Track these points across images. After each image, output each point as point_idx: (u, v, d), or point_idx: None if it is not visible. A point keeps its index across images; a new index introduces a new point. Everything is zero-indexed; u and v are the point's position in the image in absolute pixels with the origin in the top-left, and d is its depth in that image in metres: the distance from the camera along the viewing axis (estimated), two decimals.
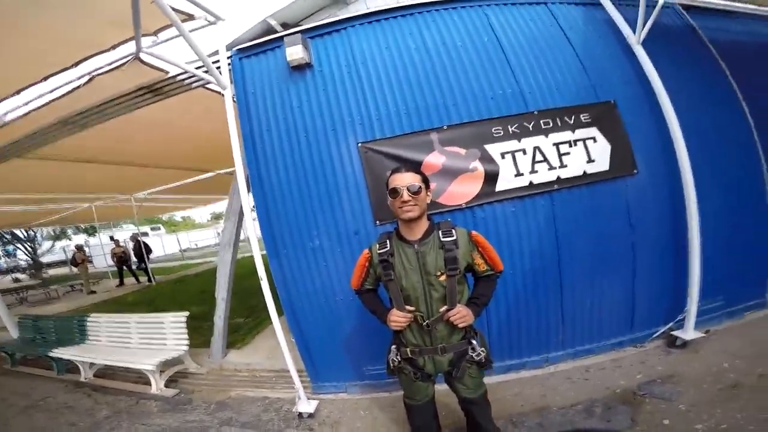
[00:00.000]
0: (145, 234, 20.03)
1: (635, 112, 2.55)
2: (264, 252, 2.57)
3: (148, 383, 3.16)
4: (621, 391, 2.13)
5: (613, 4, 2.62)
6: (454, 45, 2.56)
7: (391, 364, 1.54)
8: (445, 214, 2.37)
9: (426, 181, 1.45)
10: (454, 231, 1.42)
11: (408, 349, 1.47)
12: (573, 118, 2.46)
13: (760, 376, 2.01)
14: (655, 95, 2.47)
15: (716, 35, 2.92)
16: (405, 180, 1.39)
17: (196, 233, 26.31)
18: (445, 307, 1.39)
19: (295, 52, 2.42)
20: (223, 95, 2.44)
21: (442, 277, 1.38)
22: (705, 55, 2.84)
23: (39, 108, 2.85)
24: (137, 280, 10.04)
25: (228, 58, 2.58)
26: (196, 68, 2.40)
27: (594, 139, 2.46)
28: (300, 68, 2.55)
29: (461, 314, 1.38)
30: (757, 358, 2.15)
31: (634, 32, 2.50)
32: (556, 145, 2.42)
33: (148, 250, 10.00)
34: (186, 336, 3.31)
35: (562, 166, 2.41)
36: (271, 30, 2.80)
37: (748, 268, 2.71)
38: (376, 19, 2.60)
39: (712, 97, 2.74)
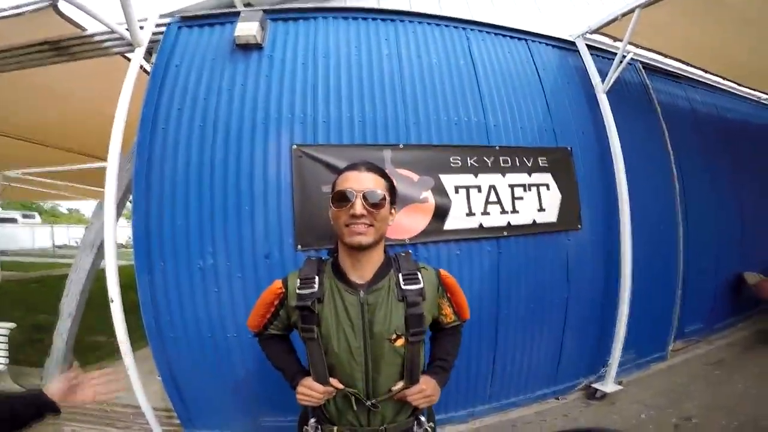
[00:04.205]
0: (13, 221, 16.35)
1: (586, 163, 2.56)
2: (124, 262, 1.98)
3: None
4: None
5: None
6: (429, 61, 2.38)
7: None
8: None
9: (393, 191, 0.99)
10: (419, 275, 0.98)
11: (335, 428, 0.98)
12: (531, 160, 2.35)
13: (675, 426, 2.10)
14: (605, 149, 2.52)
15: (663, 97, 3.17)
16: (363, 182, 0.93)
17: (78, 229, 21.86)
18: (400, 384, 0.95)
19: (247, 29, 2.10)
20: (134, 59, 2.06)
21: (400, 342, 0.94)
22: (651, 114, 3.03)
23: None
24: None
25: (164, 24, 2.21)
26: (126, 29, 2.04)
27: (548, 186, 2.38)
28: (246, 48, 2.19)
29: (426, 393, 0.96)
30: (668, 409, 2.28)
31: (602, 82, 2.56)
32: (512, 187, 2.28)
33: None
34: (5, 351, 2.68)
35: (514, 211, 2.26)
36: (230, 6, 2.50)
37: (655, 324, 2.92)
38: (353, 16, 2.40)
39: (651, 156, 2.91)
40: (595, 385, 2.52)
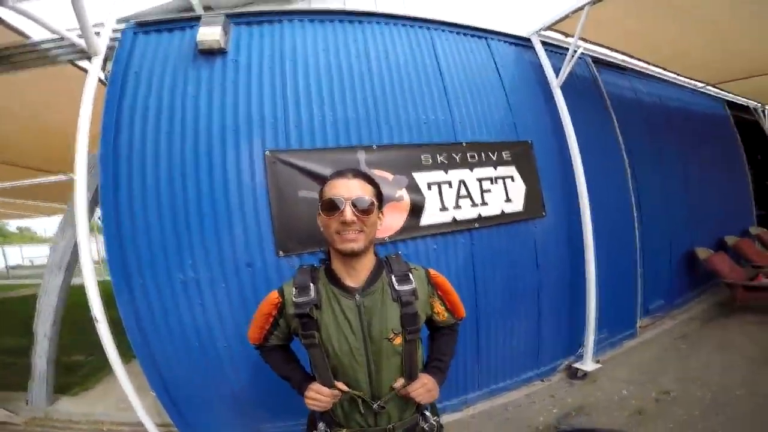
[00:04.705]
0: None
1: (545, 154, 2.72)
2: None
3: None
4: (543, 427, 2.13)
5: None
6: (397, 61, 2.44)
7: None
8: None
9: (380, 196, 1.02)
10: (410, 275, 1.02)
11: (344, 431, 1.02)
12: (496, 154, 2.47)
13: (656, 400, 2.23)
14: (562, 140, 2.67)
15: (611, 88, 3.41)
16: (351, 190, 0.95)
17: (32, 248, 20.74)
18: (401, 381, 1.00)
19: (210, 33, 2.06)
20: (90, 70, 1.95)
21: (398, 341, 0.98)
22: (602, 105, 3.27)
23: None
24: None
25: (119, 30, 2.13)
26: (78, 36, 1.93)
27: (512, 178, 2.51)
28: (210, 53, 2.14)
29: (426, 388, 1.01)
30: (646, 384, 2.41)
31: (557, 76, 2.72)
32: (480, 180, 2.39)
33: None
34: None
35: (484, 203, 2.38)
36: (189, 10, 2.40)
37: (622, 303, 3.10)
38: (319, 19, 2.39)
39: (604, 145, 3.13)
40: (576, 365, 2.63)
